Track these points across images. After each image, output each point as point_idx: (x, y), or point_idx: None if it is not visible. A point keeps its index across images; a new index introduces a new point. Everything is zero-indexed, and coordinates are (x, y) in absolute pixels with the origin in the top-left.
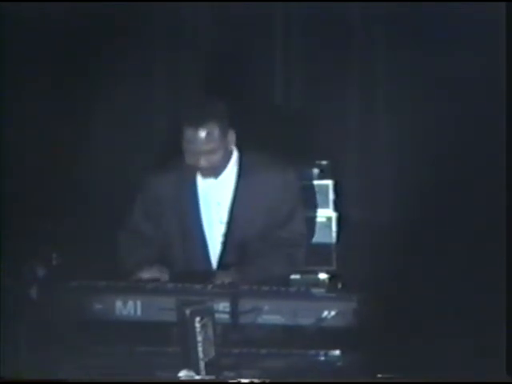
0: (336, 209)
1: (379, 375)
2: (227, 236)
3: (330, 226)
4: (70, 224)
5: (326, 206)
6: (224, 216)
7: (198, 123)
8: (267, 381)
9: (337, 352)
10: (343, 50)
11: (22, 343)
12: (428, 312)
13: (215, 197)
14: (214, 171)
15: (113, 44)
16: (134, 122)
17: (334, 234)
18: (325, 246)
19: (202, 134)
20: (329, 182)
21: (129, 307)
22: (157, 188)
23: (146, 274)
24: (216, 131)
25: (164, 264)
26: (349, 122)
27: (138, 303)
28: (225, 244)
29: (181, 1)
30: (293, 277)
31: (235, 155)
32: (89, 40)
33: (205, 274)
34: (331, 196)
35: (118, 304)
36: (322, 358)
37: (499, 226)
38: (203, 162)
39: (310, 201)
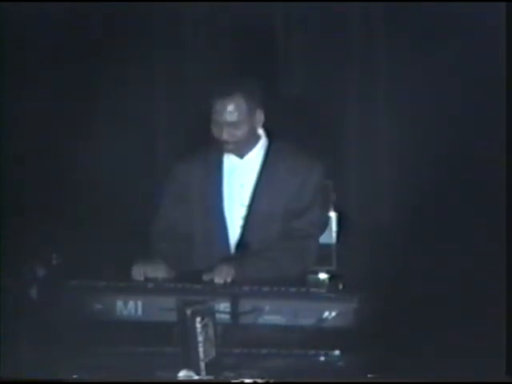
0: (336, 209)
1: (379, 375)
2: (247, 219)
3: (330, 226)
4: (70, 224)
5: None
6: (246, 199)
7: (225, 94)
8: (268, 381)
9: (337, 352)
10: (342, 50)
11: (22, 343)
12: (428, 312)
13: (239, 178)
14: (238, 148)
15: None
16: (135, 123)
17: (334, 234)
18: (325, 246)
19: (228, 104)
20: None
21: (129, 307)
22: (184, 175)
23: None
24: (242, 105)
25: (167, 261)
26: (349, 122)
27: (139, 303)
28: (244, 227)
29: (181, 0)
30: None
31: (263, 141)
32: (89, 38)
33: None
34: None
35: (119, 304)
36: (323, 358)
37: (499, 225)
38: (225, 134)
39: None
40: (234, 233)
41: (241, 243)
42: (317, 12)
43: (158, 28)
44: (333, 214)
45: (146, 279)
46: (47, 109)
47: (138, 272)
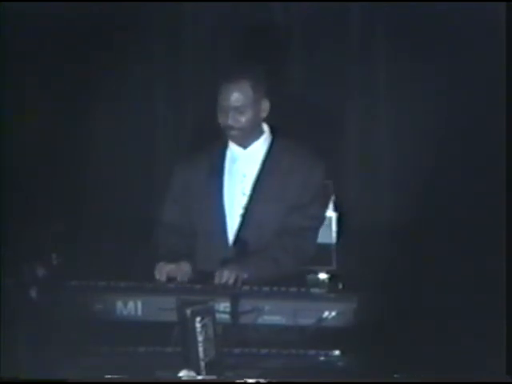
0: (336, 209)
1: (379, 375)
2: (247, 209)
3: (329, 226)
4: (70, 224)
5: None
6: (247, 188)
7: (231, 79)
8: (267, 381)
9: (337, 352)
10: (342, 49)
11: (22, 343)
12: (428, 312)
13: (241, 168)
14: (242, 136)
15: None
16: (135, 121)
17: (333, 234)
18: (325, 246)
19: (234, 89)
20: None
21: (129, 307)
22: (187, 167)
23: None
24: (248, 90)
25: (190, 260)
26: (349, 122)
27: (139, 303)
28: (244, 216)
29: (181, 0)
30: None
31: (267, 135)
32: (90, 34)
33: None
34: (331, 196)
35: (119, 304)
36: (322, 358)
37: (499, 226)
38: (231, 119)
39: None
40: (233, 221)
41: (239, 231)
42: (318, 10)
43: (158, 26)
44: (333, 214)
45: (169, 279)
46: (47, 109)
47: (160, 272)
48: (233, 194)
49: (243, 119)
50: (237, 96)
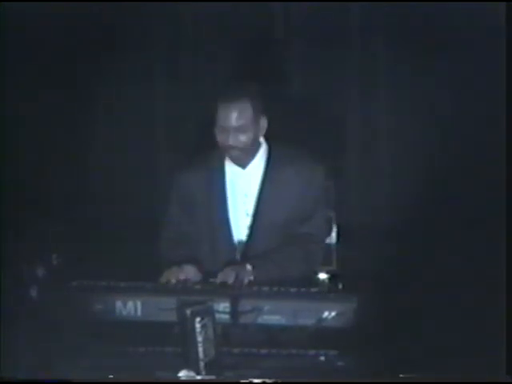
0: (336, 209)
1: (379, 375)
2: (253, 228)
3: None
4: (70, 224)
5: None
6: (250, 208)
7: (231, 99)
8: (267, 381)
9: (337, 352)
10: (343, 49)
11: (22, 343)
12: (428, 312)
13: (243, 188)
14: (241, 156)
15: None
16: (135, 122)
17: (334, 234)
18: (325, 246)
19: (234, 109)
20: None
21: (129, 307)
22: (187, 183)
23: (174, 275)
24: (248, 109)
25: (196, 263)
26: (349, 122)
27: (138, 303)
28: (250, 236)
29: (182, 0)
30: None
31: (264, 148)
32: (90, 34)
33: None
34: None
35: (118, 304)
36: (322, 358)
37: (499, 226)
38: (231, 139)
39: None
40: (241, 242)
41: (247, 252)
42: (317, 13)
43: (158, 28)
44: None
45: (178, 282)
46: (47, 108)
47: (169, 275)
48: (237, 215)
49: (244, 139)
50: (237, 115)
